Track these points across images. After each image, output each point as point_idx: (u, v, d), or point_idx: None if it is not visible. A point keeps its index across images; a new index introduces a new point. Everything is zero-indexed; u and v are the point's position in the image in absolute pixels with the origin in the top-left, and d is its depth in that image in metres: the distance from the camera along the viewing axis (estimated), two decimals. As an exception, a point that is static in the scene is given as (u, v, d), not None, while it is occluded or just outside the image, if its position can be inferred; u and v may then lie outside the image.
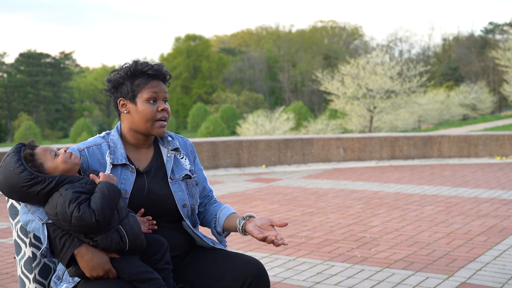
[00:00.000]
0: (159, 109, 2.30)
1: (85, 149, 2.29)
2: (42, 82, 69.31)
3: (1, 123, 62.45)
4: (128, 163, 2.30)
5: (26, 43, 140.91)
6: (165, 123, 2.34)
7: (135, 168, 2.31)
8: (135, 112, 2.30)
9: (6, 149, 9.08)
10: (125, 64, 2.34)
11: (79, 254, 2.06)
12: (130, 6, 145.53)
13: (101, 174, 2.15)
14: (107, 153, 2.30)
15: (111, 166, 2.27)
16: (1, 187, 2.12)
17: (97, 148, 2.31)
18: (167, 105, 2.34)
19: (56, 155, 2.17)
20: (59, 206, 2.03)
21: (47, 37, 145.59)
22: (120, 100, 2.33)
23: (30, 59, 70.52)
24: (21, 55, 70.76)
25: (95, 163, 2.28)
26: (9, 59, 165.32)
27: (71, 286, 2.16)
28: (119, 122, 2.40)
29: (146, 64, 2.32)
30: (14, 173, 2.08)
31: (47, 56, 71.94)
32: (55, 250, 2.08)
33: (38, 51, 72.50)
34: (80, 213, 2.00)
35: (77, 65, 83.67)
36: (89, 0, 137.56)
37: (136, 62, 2.33)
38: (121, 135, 2.37)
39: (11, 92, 68.04)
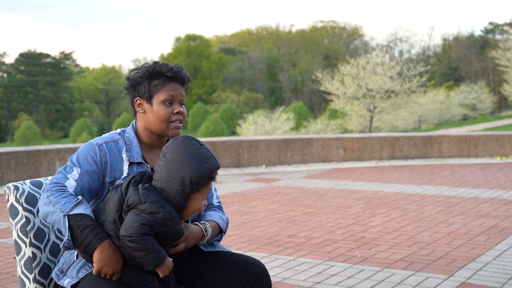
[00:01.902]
0: (174, 111, 2.30)
1: (103, 144, 2.29)
2: (42, 82, 69.30)
3: (1, 123, 62.43)
4: (143, 162, 2.31)
5: (26, 43, 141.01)
6: (180, 125, 2.33)
7: (150, 167, 2.32)
8: (151, 112, 2.30)
9: (6, 149, 9.05)
10: (145, 63, 2.34)
11: (100, 247, 2.06)
12: (130, 6, 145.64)
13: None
14: (124, 150, 2.30)
15: (128, 163, 2.28)
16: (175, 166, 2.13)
17: (114, 144, 2.31)
18: (183, 108, 2.34)
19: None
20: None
21: (47, 37, 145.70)
22: (136, 100, 2.33)
23: (30, 59, 70.51)
24: (21, 55, 70.75)
25: (113, 159, 2.28)
26: (9, 59, 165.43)
27: (74, 282, 2.16)
28: (134, 120, 2.40)
29: (165, 65, 2.32)
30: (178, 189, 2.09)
31: (47, 56, 71.93)
32: (75, 242, 2.08)
33: (38, 51, 72.57)
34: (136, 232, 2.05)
35: (77, 65, 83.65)
36: (89, 0, 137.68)
37: (156, 63, 2.33)
38: (136, 134, 2.37)
39: (11, 92, 68.03)
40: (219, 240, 2.44)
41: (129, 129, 2.37)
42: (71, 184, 2.19)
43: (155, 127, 2.31)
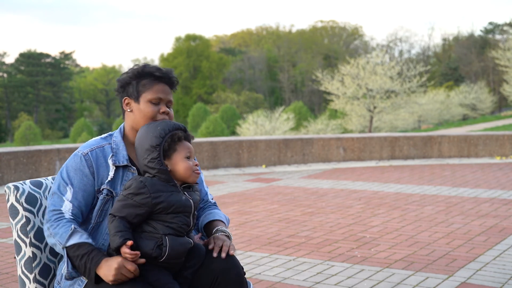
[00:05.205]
0: (161, 111, 2.31)
1: (89, 153, 2.28)
2: (42, 82, 69.30)
3: (1, 123, 62.42)
4: (129, 164, 2.31)
5: (26, 43, 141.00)
6: None
7: (136, 169, 2.32)
8: (138, 111, 2.31)
9: (6, 149, 9.05)
10: (135, 65, 2.37)
11: (100, 270, 2.11)
12: (130, 6, 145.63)
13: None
14: (110, 156, 2.30)
15: (114, 168, 2.28)
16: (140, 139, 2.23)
17: (100, 150, 2.31)
18: (170, 110, 2.35)
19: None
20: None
21: (47, 37, 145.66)
22: (125, 99, 2.34)
23: (30, 59, 70.51)
24: (21, 55, 70.75)
25: (100, 166, 2.28)
26: (9, 59, 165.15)
27: None
28: (123, 124, 2.41)
29: (155, 67, 2.35)
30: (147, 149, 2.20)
31: (47, 56, 71.94)
32: (79, 270, 2.15)
33: (38, 51, 72.58)
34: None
35: (77, 65, 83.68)
36: (89, 0, 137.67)
37: (145, 64, 2.36)
38: (124, 136, 2.37)
39: (11, 92, 68.03)
40: None
41: (116, 133, 2.37)
42: (67, 207, 2.22)
43: (140, 125, 2.31)
